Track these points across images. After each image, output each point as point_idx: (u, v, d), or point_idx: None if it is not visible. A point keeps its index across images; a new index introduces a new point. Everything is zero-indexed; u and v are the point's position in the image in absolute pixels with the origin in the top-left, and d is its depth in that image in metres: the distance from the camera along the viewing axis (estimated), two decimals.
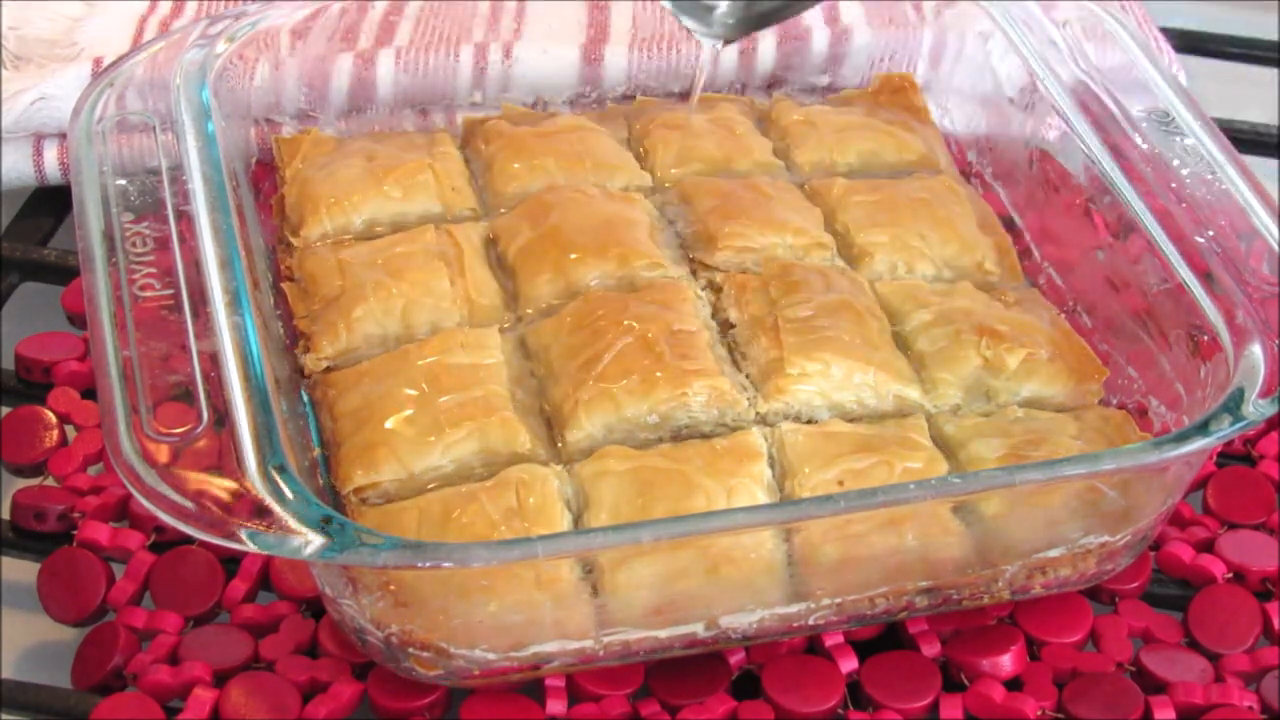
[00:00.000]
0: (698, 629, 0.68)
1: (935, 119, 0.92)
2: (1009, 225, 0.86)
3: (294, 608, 0.72)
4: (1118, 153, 0.79)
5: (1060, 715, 0.69)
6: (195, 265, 0.69)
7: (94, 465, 0.78)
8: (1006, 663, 0.71)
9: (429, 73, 0.91)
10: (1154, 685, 0.71)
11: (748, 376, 0.74)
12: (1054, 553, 0.71)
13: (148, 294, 0.68)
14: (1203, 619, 0.73)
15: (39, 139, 0.91)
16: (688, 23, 0.82)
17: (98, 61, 0.91)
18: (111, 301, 0.67)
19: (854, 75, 0.94)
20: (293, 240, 0.81)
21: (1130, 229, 0.78)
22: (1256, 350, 0.69)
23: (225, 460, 0.62)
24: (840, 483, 0.68)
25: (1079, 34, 0.86)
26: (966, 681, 0.70)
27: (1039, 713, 0.69)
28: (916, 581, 0.70)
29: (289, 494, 0.61)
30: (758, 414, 0.72)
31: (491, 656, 0.66)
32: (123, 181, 0.73)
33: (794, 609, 0.69)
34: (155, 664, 0.69)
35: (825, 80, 0.94)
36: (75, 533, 0.74)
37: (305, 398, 0.74)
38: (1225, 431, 0.65)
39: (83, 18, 0.99)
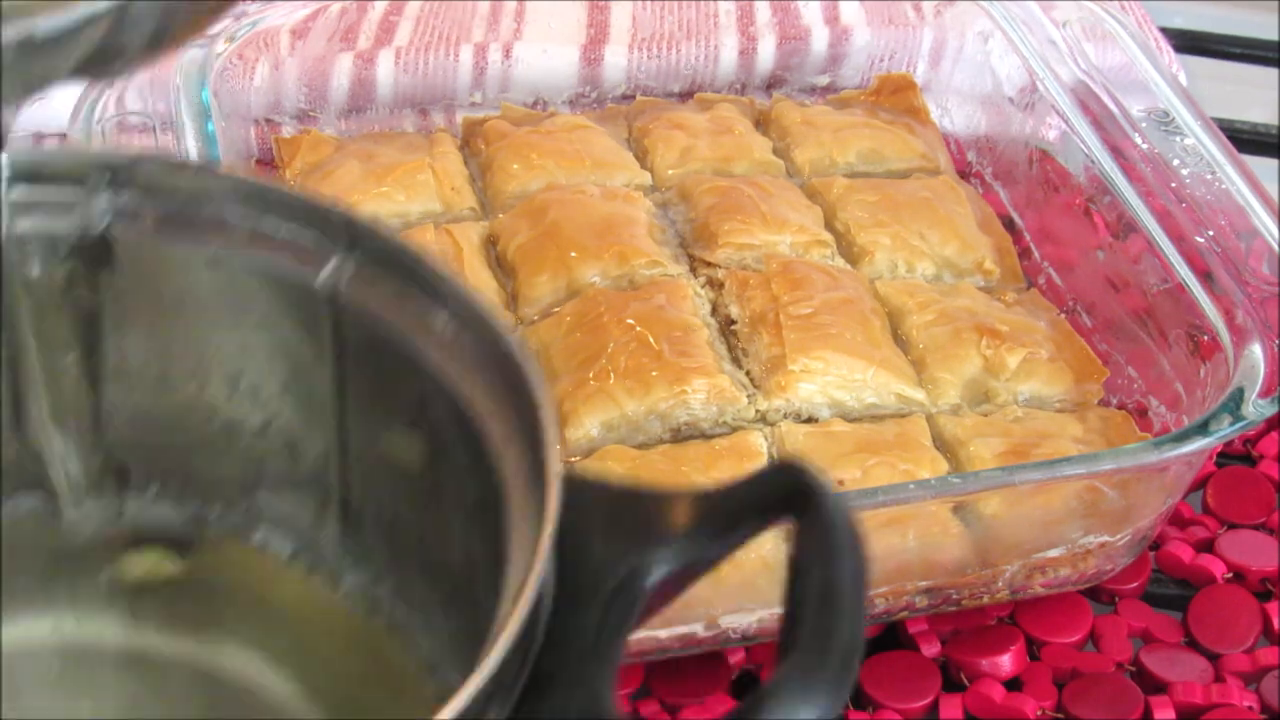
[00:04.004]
0: (698, 629, 0.68)
1: (935, 119, 0.92)
2: (1009, 225, 0.86)
3: None
4: (1118, 153, 0.79)
5: (1060, 715, 0.69)
6: None
7: None
8: (1006, 663, 0.71)
9: (429, 73, 0.90)
10: (1154, 685, 0.71)
11: (748, 374, 0.74)
12: (1054, 552, 0.70)
13: None
14: (1202, 619, 0.73)
15: (39, 139, 0.91)
16: None
17: None
18: None
19: (854, 75, 0.94)
20: None
21: (1130, 229, 0.78)
22: (1256, 350, 0.69)
23: None
24: (840, 482, 0.68)
25: (1079, 34, 0.86)
26: (966, 681, 0.70)
27: (1039, 713, 0.69)
28: (916, 581, 0.70)
29: None
30: (758, 411, 0.72)
31: None
32: None
33: None
34: None
35: (825, 80, 0.94)
36: None
37: None
38: (1225, 431, 0.65)
39: None
